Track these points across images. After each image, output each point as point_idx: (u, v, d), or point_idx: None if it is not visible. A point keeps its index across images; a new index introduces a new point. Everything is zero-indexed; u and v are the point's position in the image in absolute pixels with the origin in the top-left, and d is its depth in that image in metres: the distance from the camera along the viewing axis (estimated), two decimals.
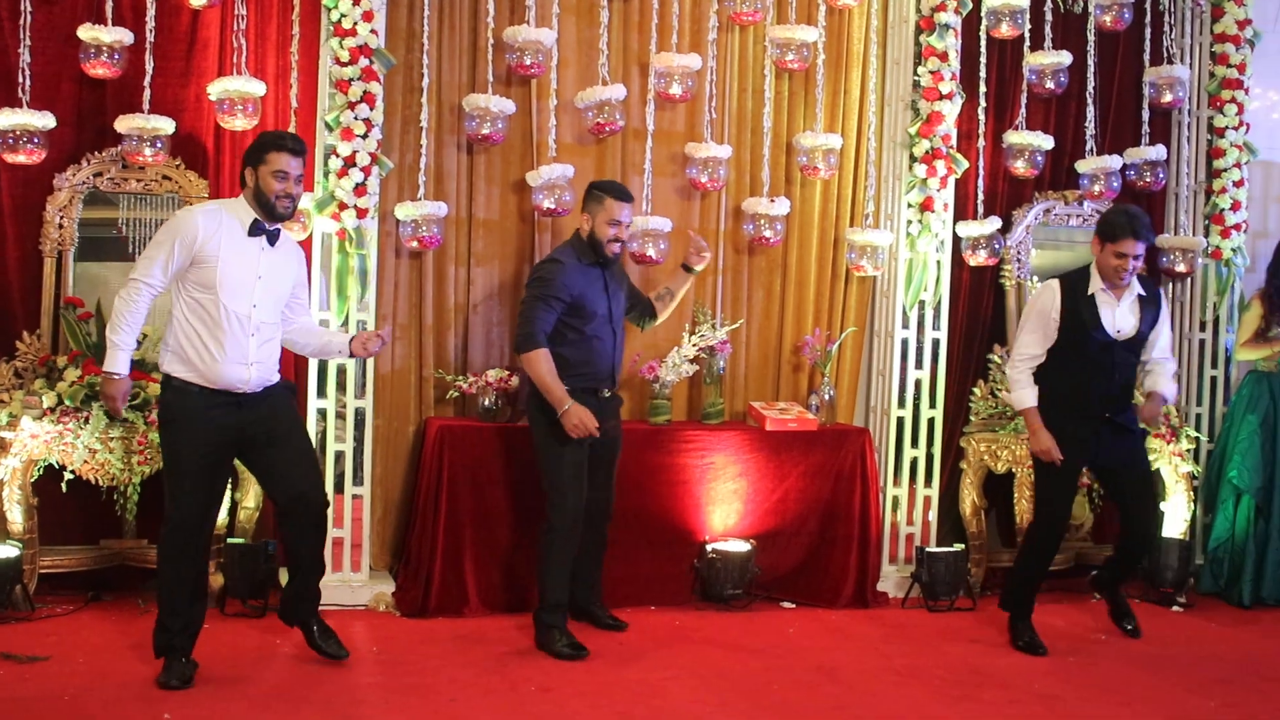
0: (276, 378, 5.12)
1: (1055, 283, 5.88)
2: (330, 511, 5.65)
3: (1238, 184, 7.42)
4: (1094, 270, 5.79)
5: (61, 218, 6.04)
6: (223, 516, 5.86)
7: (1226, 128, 7.44)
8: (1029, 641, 5.85)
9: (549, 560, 5.60)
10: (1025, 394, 5.83)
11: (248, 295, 4.92)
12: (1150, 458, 6.71)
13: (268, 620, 5.79)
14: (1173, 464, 6.94)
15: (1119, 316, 5.77)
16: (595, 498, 5.79)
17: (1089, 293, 5.76)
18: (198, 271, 4.86)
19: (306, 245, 6.18)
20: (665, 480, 6.42)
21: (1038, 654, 5.76)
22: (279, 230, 5.06)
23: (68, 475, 5.75)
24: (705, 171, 6.70)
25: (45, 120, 5.85)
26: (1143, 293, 5.86)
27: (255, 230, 4.95)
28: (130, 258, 6.11)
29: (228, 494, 5.71)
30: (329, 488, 6.15)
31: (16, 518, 5.70)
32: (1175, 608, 6.77)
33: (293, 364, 6.31)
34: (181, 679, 4.86)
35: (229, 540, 5.93)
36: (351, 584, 6.24)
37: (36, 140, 5.86)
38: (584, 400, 5.59)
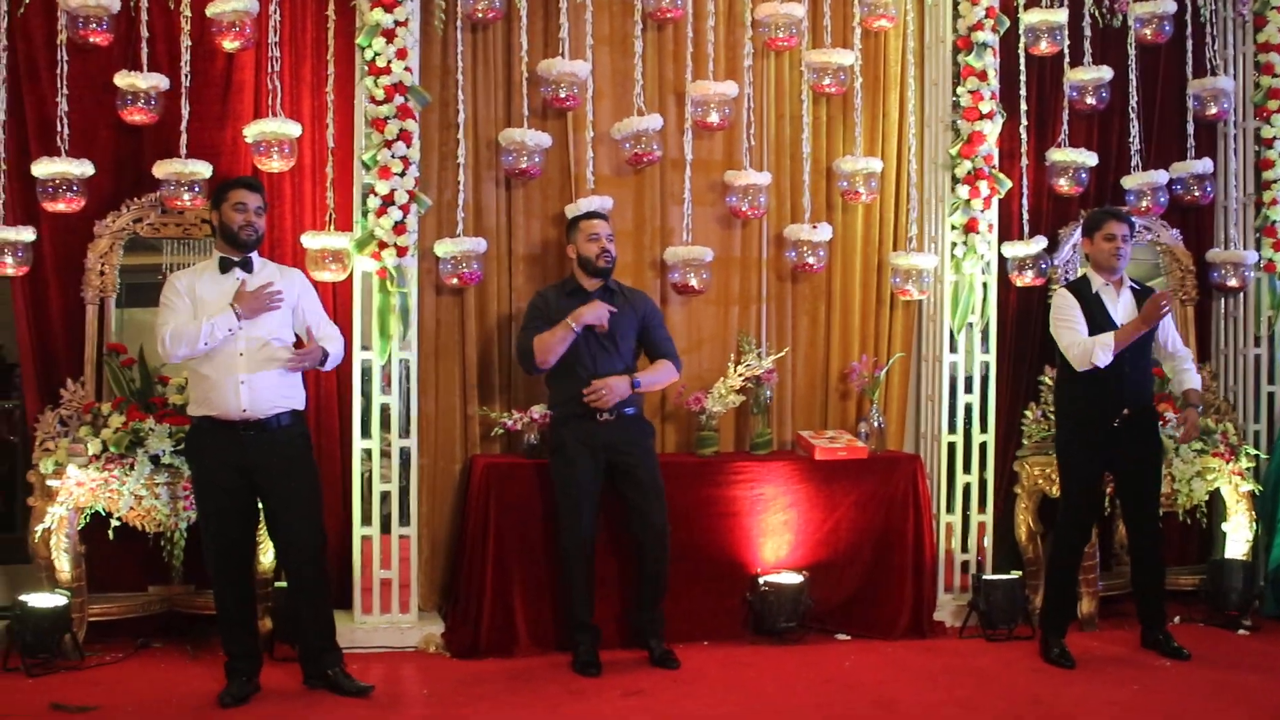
0: (286, 404, 5.29)
1: (1062, 289, 6.19)
2: (358, 551, 6.15)
3: None
4: (1091, 272, 6.09)
5: (103, 265, 6.04)
6: (270, 560, 5.83)
7: (1275, 138, 7.30)
8: (1059, 654, 5.94)
9: (565, 583, 5.93)
10: (1100, 340, 5.88)
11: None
12: (1210, 477, 6.60)
13: None
14: (1233, 483, 6.78)
15: (1123, 310, 5.98)
16: (637, 523, 5.94)
17: (1094, 292, 6.03)
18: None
19: (347, 285, 6.18)
20: (715, 513, 6.34)
21: (1066, 667, 5.86)
22: (252, 259, 5.35)
23: (114, 522, 5.72)
24: (745, 199, 6.63)
25: (84, 168, 5.85)
26: (1136, 287, 6.12)
27: (225, 266, 5.30)
28: None
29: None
30: (375, 529, 6.15)
31: (64, 566, 5.68)
32: (1241, 631, 6.61)
33: (336, 403, 6.28)
34: (235, 697, 5.18)
35: (276, 584, 5.88)
36: (400, 626, 6.18)
37: (75, 188, 5.86)
38: (583, 425, 5.91)
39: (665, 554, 5.95)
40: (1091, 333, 5.91)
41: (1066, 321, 5.99)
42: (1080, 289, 6.07)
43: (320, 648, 5.40)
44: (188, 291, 5.27)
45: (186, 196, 5.93)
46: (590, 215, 6.12)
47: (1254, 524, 6.89)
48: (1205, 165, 7.27)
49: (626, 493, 5.96)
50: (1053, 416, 6.67)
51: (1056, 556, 6.16)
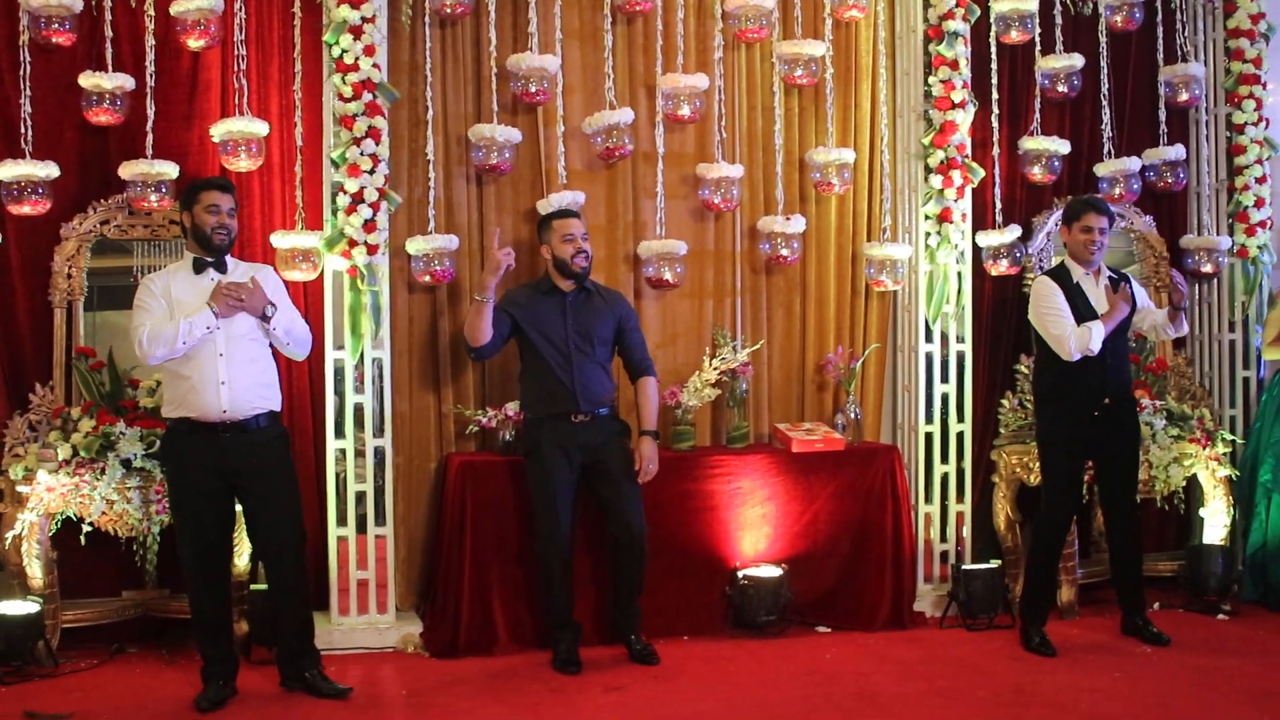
0: (265, 405, 5.28)
1: (1043, 277, 6.15)
2: (334, 552, 6.14)
3: (1260, 180, 7.32)
4: (1069, 262, 6.08)
5: (70, 267, 5.97)
6: (245, 563, 5.78)
7: (1246, 124, 7.35)
8: (1040, 642, 5.97)
9: (544, 582, 5.90)
10: (1093, 327, 5.87)
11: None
12: (1187, 463, 6.61)
13: None
14: (1210, 468, 6.79)
15: (1102, 300, 5.98)
16: (614, 522, 5.89)
17: (1074, 282, 6.02)
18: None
19: (318, 284, 6.13)
20: (692, 507, 6.31)
21: (1047, 655, 5.87)
22: (226, 260, 5.32)
23: (86, 527, 5.64)
24: (718, 192, 6.60)
25: (49, 170, 5.78)
26: (1113, 275, 6.10)
27: (199, 267, 5.27)
28: None
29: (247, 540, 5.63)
30: (351, 529, 6.10)
31: (36, 572, 5.61)
32: (1220, 616, 6.62)
33: (309, 403, 6.23)
34: (211, 702, 5.14)
35: (252, 587, 5.83)
36: (378, 626, 6.14)
37: (41, 190, 5.79)
38: (558, 426, 5.86)
39: (643, 553, 5.89)
40: (1076, 323, 5.92)
41: (1053, 311, 5.95)
42: (1061, 278, 6.05)
43: (298, 649, 5.37)
44: (163, 293, 5.23)
45: (154, 197, 5.87)
46: (564, 214, 6.04)
47: (1231, 509, 6.90)
48: (1177, 152, 7.29)
49: (602, 492, 5.90)
50: (1030, 405, 6.67)
51: (1037, 546, 6.14)
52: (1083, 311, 5.93)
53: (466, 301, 6.53)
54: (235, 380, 5.16)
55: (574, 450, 5.86)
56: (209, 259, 5.27)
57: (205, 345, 5.11)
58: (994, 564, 6.61)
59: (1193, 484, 6.92)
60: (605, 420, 5.95)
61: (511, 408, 6.25)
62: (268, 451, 5.26)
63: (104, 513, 5.63)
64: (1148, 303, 6.28)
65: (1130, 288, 6.10)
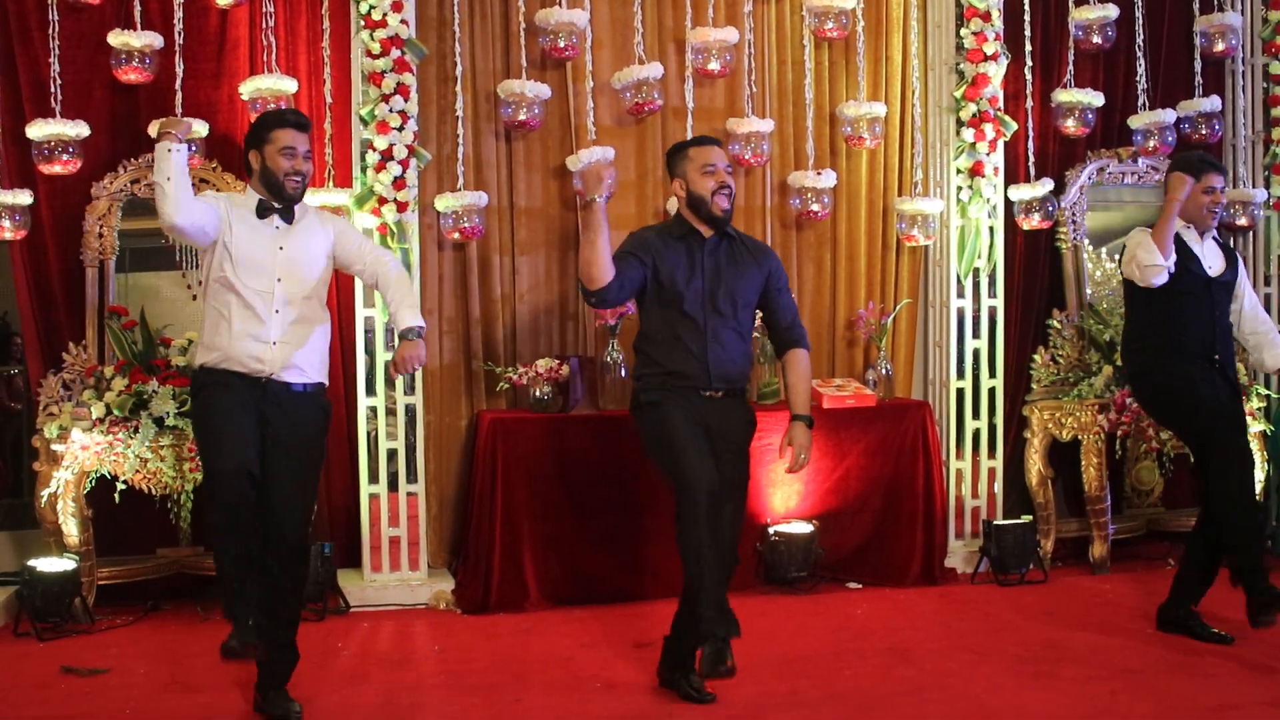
0: (314, 376, 4.70)
1: (1142, 228, 5.56)
2: (366, 509, 6.00)
3: None
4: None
5: (101, 227, 5.99)
6: None
7: None
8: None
9: (685, 555, 4.71)
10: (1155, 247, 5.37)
11: (268, 271, 4.63)
12: None
13: (327, 623, 5.76)
14: None
15: (1209, 254, 5.53)
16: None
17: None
18: (219, 255, 4.62)
19: None
20: None
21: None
22: (293, 209, 4.73)
23: (120, 486, 5.68)
24: (748, 147, 6.56)
25: (79, 129, 5.79)
26: (1217, 235, 5.66)
27: (263, 211, 4.68)
28: (176, 265, 6.12)
29: None
30: (382, 486, 6.12)
31: (72, 530, 5.66)
32: None
33: (339, 362, 6.23)
34: (242, 642, 4.89)
35: None
36: (410, 583, 6.17)
37: (71, 150, 5.80)
38: (686, 396, 4.82)
39: (731, 569, 5.02)
40: (1178, 276, 5.37)
41: (1147, 245, 5.38)
42: None
43: (284, 641, 4.62)
44: (225, 205, 4.67)
45: None
46: (703, 141, 5.06)
47: (1266, 464, 6.85)
48: (1213, 103, 7.19)
49: None
50: (1062, 360, 6.63)
51: (1241, 479, 5.35)
52: (1188, 265, 5.43)
53: (495, 258, 6.54)
54: (290, 341, 4.62)
55: (700, 422, 4.84)
56: (276, 205, 4.69)
57: (259, 300, 4.59)
58: (1026, 519, 6.60)
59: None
60: (736, 404, 4.99)
61: (542, 365, 6.24)
62: (307, 416, 4.67)
63: (138, 471, 5.67)
64: (1248, 287, 5.73)
65: (1234, 252, 5.68)
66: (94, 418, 5.63)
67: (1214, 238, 5.63)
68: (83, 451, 5.61)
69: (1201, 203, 5.48)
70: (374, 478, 6.16)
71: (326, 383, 4.82)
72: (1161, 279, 5.37)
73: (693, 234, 4.92)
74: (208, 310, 4.69)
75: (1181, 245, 5.46)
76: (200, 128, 4.77)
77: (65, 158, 5.79)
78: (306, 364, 4.67)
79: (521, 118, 6.29)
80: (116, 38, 5.83)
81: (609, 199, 4.78)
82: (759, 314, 5.22)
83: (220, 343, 4.60)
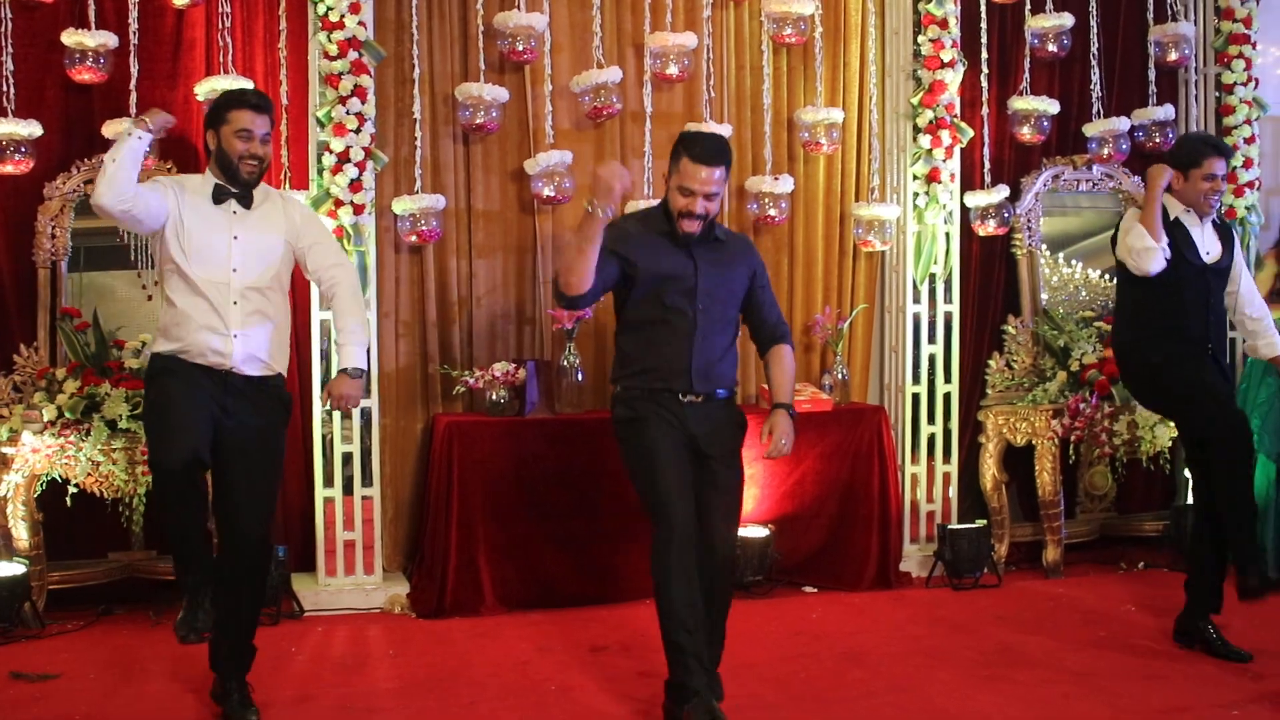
0: (274, 368, 4.54)
1: (1135, 209, 5.50)
2: (321, 513, 5.82)
3: (1249, 141, 7.31)
4: (1169, 200, 5.37)
5: (54, 227, 5.93)
6: None
7: (1235, 84, 7.33)
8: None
9: (658, 590, 4.45)
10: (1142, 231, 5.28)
11: (223, 262, 4.44)
12: (1171, 422, 6.60)
13: (281, 628, 5.73)
14: None
15: (1206, 239, 5.38)
16: (698, 539, 4.47)
17: (1173, 217, 5.35)
18: (170, 245, 4.42)
19: None
20: None
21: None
22: (252, 194, 4.52)
23: (72, 489, 5.64)
24: None
25: (31, 129, 5.75)
26: (1216, 220, 5.49)
27: (220, 196, 4.48)
28: (131, 264, 6.06)
29: None
30: (337, 490, 6.09)
31: (22, 534, 5.60)
32: None
33: (295, 364, 6.19)
34: (192, 628, 4.38)
35: None
36: (365, 587, 6.15)
37: (24, 150, 5.76)
38: (667, 405, 4.51)
39: (728, 581, 4.78)
40: (1175, 263, 5.25)
41: (1136, 231, 5.29)
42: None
43: (240, 646, 4.57)
44: (173, 193, 4.46)
45: None
46: (697, 155, 4.51)
47: None
48: (1166, 112, 7.28)
49: (698, 495, 4.55)
50: (1015, 366, 6.69)
51: (1236, 467, 5.20)
52: (1181, 247, 5.29)
53: (453, 261, 6.53)
54: (249, 333, 4.45)
55: (682, 431, 4.55)
56: (233, 189, 4.50)
57: (215, 291, 4.40)
58: (980, 524, 6.64)
59: (1177, 444, 6.92)
60: (722, 406, 4.68)
61: (499, 368, 6.23)
62: (268, 408, 4.52)
63: (89, 474, 5.62)
64: (1242, 265, 5.58)
65: (1233, 238, 5.52)
66: (45, 420, 5.59)
67: (1213, 220, 5.47)
68: (34, 455, 5.55)
69: (1201, 189, 5.31)
70: (329, 481, 6.13)
71: (285, 373, 4.65)
72: (1158, 264, 5.23)
73: (676, 230, 4.56)
74: (163, 300, 4.51)
75: (1181, 230, 5.33)
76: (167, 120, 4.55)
77: (17, 158, 5.75)
78: (267, 355, 4.51)
79: (480, 121, 6.28)
80: (70, 37, 5.79)
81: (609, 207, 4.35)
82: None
83: (178, 334, 4.41)
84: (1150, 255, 5.23)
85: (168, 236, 4.45)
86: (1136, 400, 5.97)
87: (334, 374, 5.01)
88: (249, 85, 5.89)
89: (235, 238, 4.47)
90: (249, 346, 4.45)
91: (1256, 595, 5.16)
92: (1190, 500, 6.82)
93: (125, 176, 4.29)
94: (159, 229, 4.45)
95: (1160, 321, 5.35)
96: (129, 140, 4.31)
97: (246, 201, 4.52)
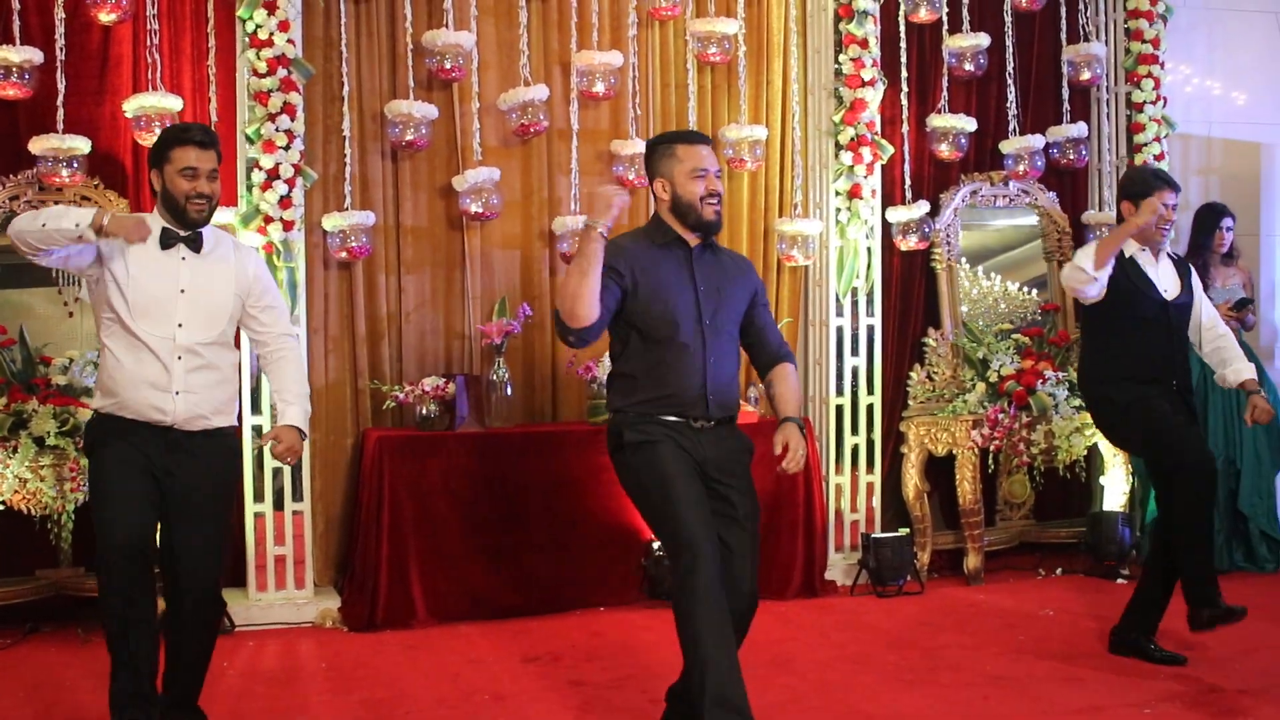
0: (225, 422, 4.32)
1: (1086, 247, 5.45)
2: (251, 528, 5.88)
3: (1158, 158, 7.49)
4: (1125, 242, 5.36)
5: None
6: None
7: (1144, 102, 7.54)
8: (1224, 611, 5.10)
9: (684, 627, 4.07)
10: (1083, 251, 5.34)
11: (168, 316, 4.18)
12: (1088, 433, 6.77)
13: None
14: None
15: (1163, 276, 5.37)
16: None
17: (1127, 256, 5.34)
18: (109, 292, 4.17)
19: None
20: (607, 480, 6.30)
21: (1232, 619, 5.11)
22: (202, 235, 4.25)
23: None
24: (632, 168, 6.66)
25: None
26: (1171, 255, 5.51)
27: (167, 241, 4.20)
28: (53, 281, 6.01)
29: None
30: (268, 505, 6.10)
31: None
32: (1119, 580, 6.83)
33: None
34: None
35: None
36: (296, 601, 6.16)
37: None
38: (679, 430, 4.19)
39: (748, 621, 4.42)
40: (1134, 302, 5.30)
41: (1083, 251, 5.34)
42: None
43: (186, 698, 4.39)
44: (107, 251, 4.15)
45: (65, 173, 5.81)
46: (690, 137, 4.36)
47: (1130, 477, 7.10)
48: (1080, 129, 7.48)
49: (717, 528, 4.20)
50: (937, 377, 6.81)
51: (1196, 504, 5.15)
52: (1139, 285, 5.30)
53: (382, 277, 6.56)
54: (194, 390, 4.20)
55: (694, 458, 4.22)
56: (181, 233, 4.23)
57: (159, 346, 4.16)
58: (903, 532, 6.76)
59: (1093, 453, 7.12)
60: (730, 431, 4.37)
61: (429, 383, 6.27)
62: (214, 463, 4.31)
63: (17, 491, 5.56)
64: (1202, 297, 5.55)
65: (1189, 272, 5.50)
66: None
67: (1170, 256, 5.48)
68: None
69: (1149, 221, 5.30)
70: (259, 496, 6.13)
71: (235, 424, 4.45)
72: (1093, 291, 5.26)
73: (678, 241, 4.27)
74: (103, 349, 4.25)
75: (1136, 269, 5.34)
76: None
77: None
78: (213, 411, 4.26)
79: (409, 138, 6.34)
80: None
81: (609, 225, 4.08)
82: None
83: (116, 389, 4.18)
84: (1083, 280, 5.25)
85: (108, 280, 4.18)
86: (1108, 439, 6.02)
87: (248, 382, 4.92)
88: (178, 103, 5.91)
89: (182, 291, 4.20)
90: (192, 404, 4.20)
91: (1207, 628, 5.12)
92: (1105, 506, 7.05)
93: (40, 238, 4.04)
94: (102, 269, 4.19)
95: (1125, 361, 5.33)
96: (75, 231, 3.99)
97: (196, 245, 4.24)
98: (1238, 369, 5.47)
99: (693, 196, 4.20)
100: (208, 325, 4.26)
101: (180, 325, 4.19)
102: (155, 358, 4.16)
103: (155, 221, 4.24)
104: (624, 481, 4.33)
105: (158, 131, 5.65)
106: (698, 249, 4.29)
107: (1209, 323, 5.50)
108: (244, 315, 4.43)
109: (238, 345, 4.54)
